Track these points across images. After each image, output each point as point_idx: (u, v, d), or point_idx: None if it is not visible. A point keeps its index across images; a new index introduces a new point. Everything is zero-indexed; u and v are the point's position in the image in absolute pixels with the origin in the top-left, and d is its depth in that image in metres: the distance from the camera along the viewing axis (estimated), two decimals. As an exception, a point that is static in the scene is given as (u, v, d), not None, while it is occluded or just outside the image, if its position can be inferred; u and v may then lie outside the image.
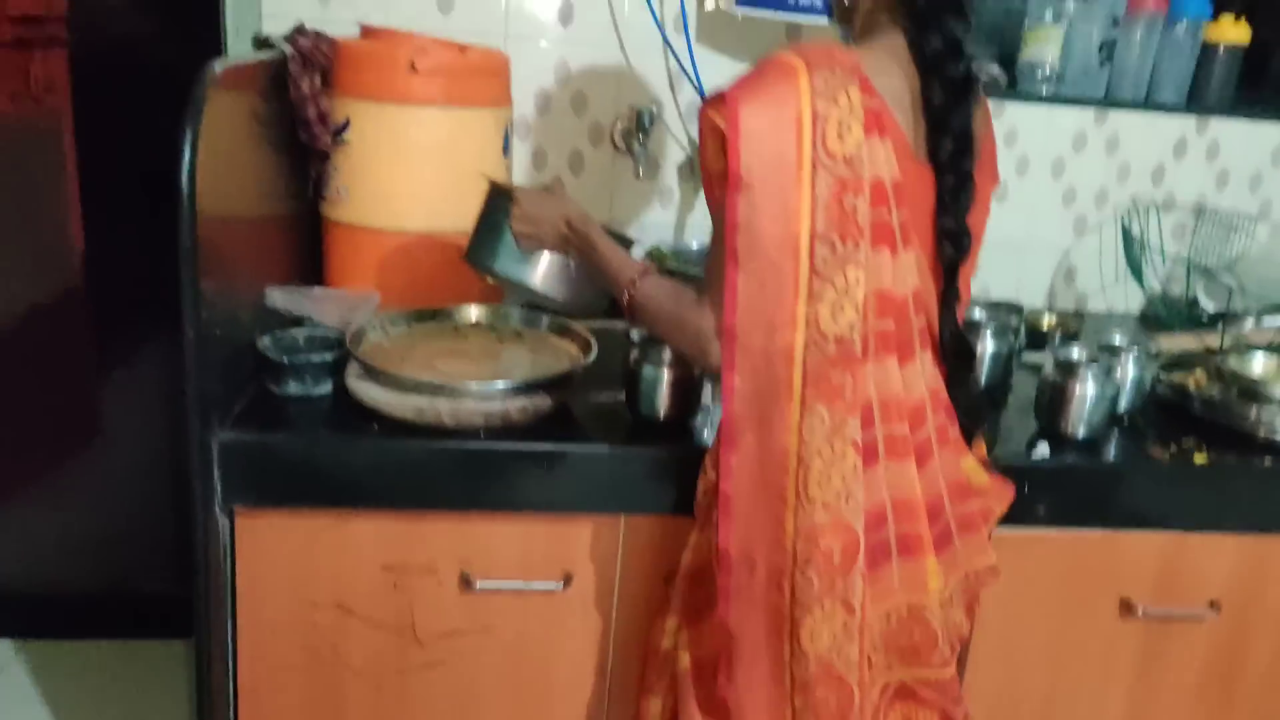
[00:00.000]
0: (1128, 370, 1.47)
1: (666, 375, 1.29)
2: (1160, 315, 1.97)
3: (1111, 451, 1.40)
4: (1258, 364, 1.61)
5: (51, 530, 2.20)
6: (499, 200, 1.29)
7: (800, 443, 1.02)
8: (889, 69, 1.05)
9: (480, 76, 1.52)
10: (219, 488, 1.19)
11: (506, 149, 1.61)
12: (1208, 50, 2.03)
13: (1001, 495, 1.22)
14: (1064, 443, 1.38)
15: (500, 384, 1.24)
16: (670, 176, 1.89)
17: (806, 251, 0.99)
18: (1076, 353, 1.43)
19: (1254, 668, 1.48)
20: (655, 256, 1.83)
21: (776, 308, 1.00)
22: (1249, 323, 1.83)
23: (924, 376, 1.09)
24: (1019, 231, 2.02)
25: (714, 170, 1.03)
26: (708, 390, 1.35)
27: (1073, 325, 1.88)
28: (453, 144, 1.51)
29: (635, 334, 1.41)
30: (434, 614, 1.29)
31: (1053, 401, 1.39)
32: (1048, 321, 1.89)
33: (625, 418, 1.33)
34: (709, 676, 1.13)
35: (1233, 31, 2.02)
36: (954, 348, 1.12)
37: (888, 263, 1.03)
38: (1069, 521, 1.37)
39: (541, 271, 1.30)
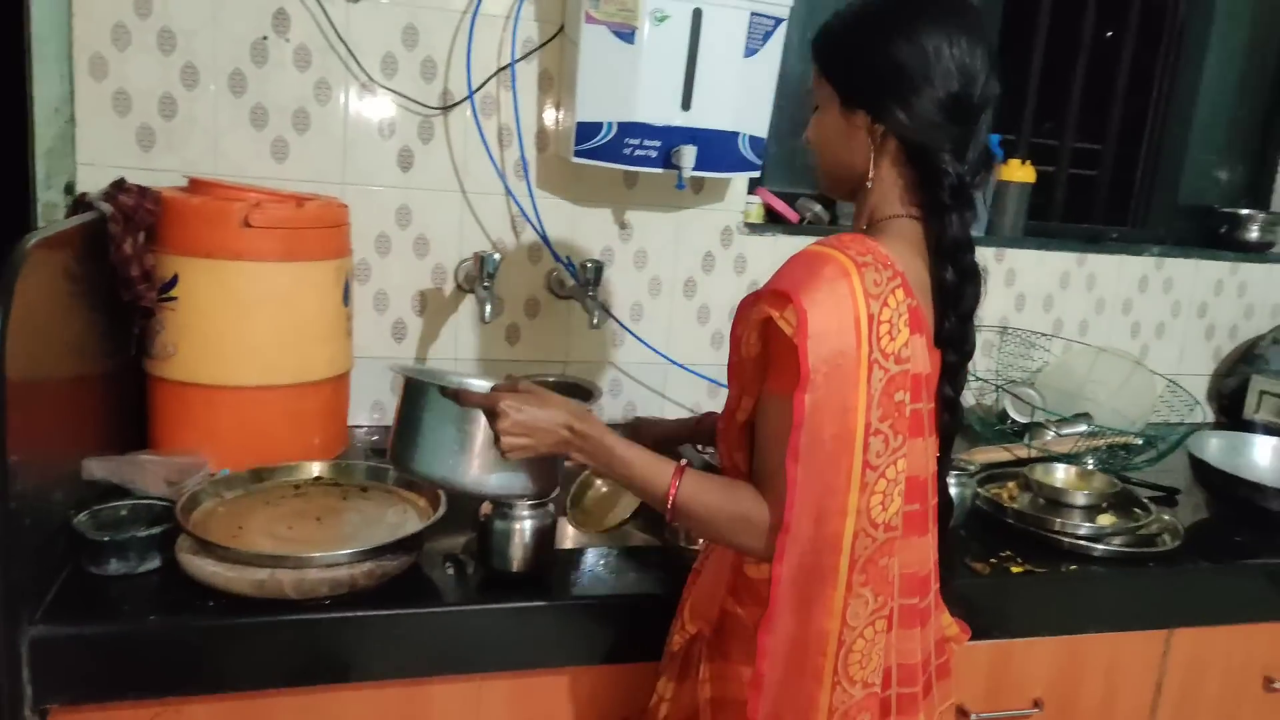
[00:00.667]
0: (950, 489, 1.57)
1: (519, 527, 1.28)
2: (975, 428, 2.12)
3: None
4: (1060, 474, 1.76)
5: None
6: (446, 402, 1.11)
7: (843, 626, 1.03)
8: (911, 260, 1.07)
9: (318, 229, 1.52)
10: (29, 690, 1.08)
11: (347, 298, 1.60)
12: (1001, 188, 2.28)
13: (961, 638, 1.27)
14: (900, 566, 1.46)
15: (346, 551, 1.20)
16: (517, 314, 1.92)
17: (861, 445, 1.00)
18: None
19: (1080, 762, 1.58)
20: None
21: (829, 497, 1.01)
22: (1050, 433, 2.01)
23: (931, 548, 1.14)
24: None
25: (749, 363, 1.05)
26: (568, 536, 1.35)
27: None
28: (290, 297, 1.49)
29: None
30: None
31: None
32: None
33: (479, 573, 1.31)
34: None
35: (1020, 173, 2.27)
36: (947, 517, 1.18)
37: (919, 449, 1.07)
38: (910, 642, 1.43)
39: (501, 476, 1.13)
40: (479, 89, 1.76)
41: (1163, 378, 2.16)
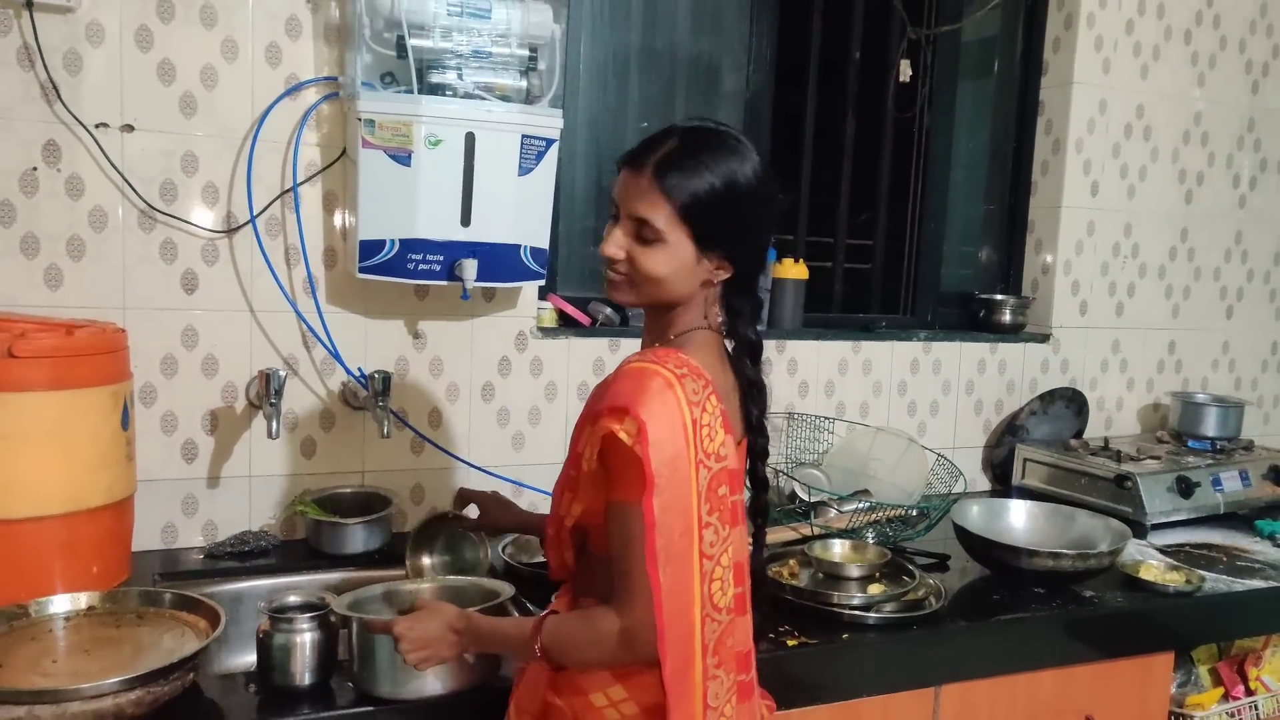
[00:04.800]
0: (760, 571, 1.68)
1: (299, 640, 1.29)
2: (772, 514, 2.25)
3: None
4: (838, 550, 1.90)
5: None
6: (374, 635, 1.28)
7: (706, 709, 1.13)
8: (714, 366, 1.20)
9: (90, 356, 1.51)
10: None
11: (125, 424, 1.58)
12: (777, 285, 2.47)
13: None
14: (682, 647, 1.54)
15: (111, 680, 1.18)
16: (313, 428, 1.93)
17: (698, 538, 1.11)
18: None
19: (868, 827, 1.66)
20: (302, 506, 1.84)
21: (683, 592, 1.10)
22: (833, 511, 2.16)
23: (750, 627, 1.24)
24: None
25: (587, 476, 1.15)
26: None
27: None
28: (61, 426, 1.47)
29: (261, 602, 1.39)
30: None
31: (669, 611, 1.55)
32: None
33: (259, 690, 1.30)
34: None
35: (794, 270, 2.48)
36: (763, 598, 1.29)
37: (739, 536, 1.18)
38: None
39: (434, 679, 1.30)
40: (262, 212, 1.81)
41: (933, 452, 2.37)
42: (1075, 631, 1.83)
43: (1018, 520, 2.15)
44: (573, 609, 1.25)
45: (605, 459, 1.13)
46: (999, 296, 2.77)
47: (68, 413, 1.48)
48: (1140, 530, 2.33)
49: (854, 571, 1.80)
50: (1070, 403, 2.73)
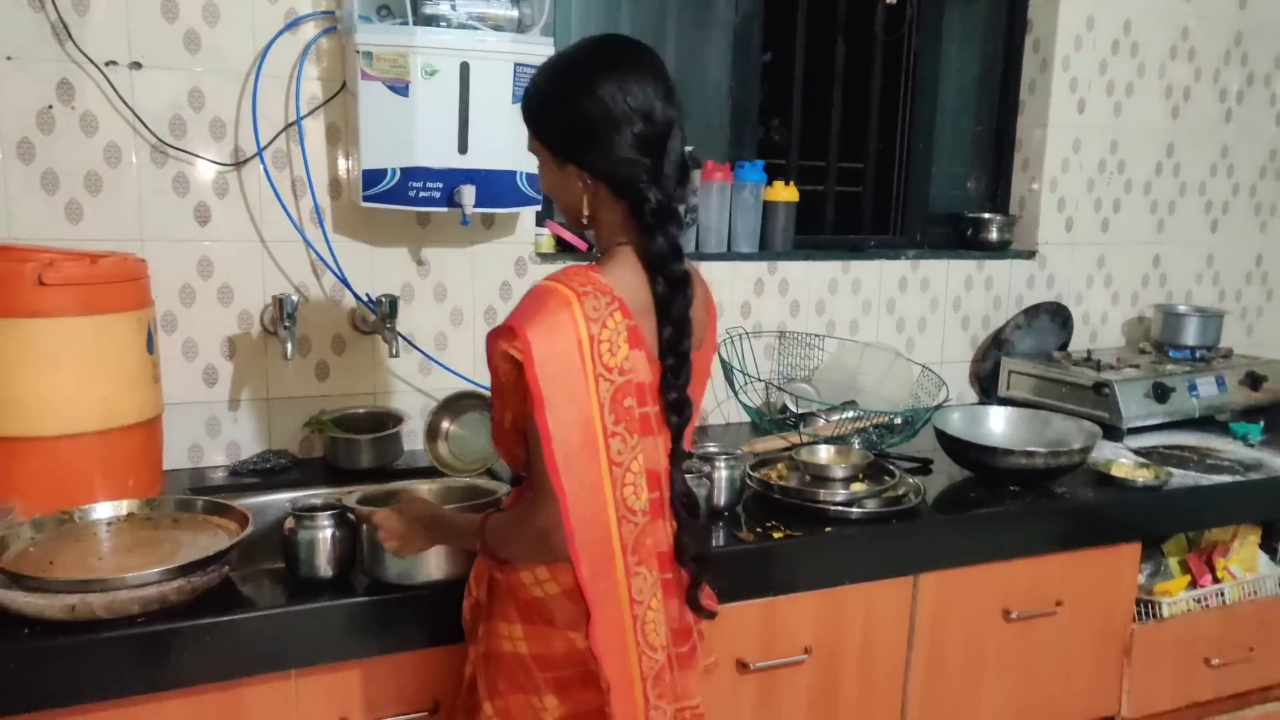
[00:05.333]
0: (721, 473, 1.79)
1: (322, 536, 1.42)
2: (760, 423, 2.37)
3: (713, 541, 1.69)
4: (823, 453, 2.01)
5: None
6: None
7: (633, 602, 1.23)
8: (630, 281, 1.24)
9: (115, 284, 1.61)
10: None
11: (150, 348, 1.69)
12: (769, 209, 2.55)
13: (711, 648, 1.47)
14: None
15: (154, 570, 1.31)
16: (325, 351, 2.04)
17: (604, 446, 1.20)
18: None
19: (845, 692, 1.81)
20: (317, 425, 1.96)
21: (592, 500, 1.20)
22: (821, 420, 2.27)
23: (669, 531, 1.32)
24: (643, 366, 2.37)
25: (508, 386, 1.22)
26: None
27: (694, 441, 2.21)
28: (91, 350, 1.58)
29: (287, 502, 1.51)
30: (105, 812, 1.30)
31: (662, 508, 1.68)
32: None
33: (288, 582, 1.43)
34: None
35: (784, 193, 2.55)
36: (686, 504, 1.33)
37: (651, 446, 1.26)
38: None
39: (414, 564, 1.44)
40: (268, 145, 1.89)
41: (918, 365, 2.47)
42: (1047, 524, 1.95)
43: (997, 425, 2.25)
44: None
45: (514, 373, 1.20)
46: (985, 215, 2.84)
47: (96, 337, 1.59)
48: (1117, 434, 2.44)
49: (838, 472, 1.91)
50: (1054, 316, 2.82)
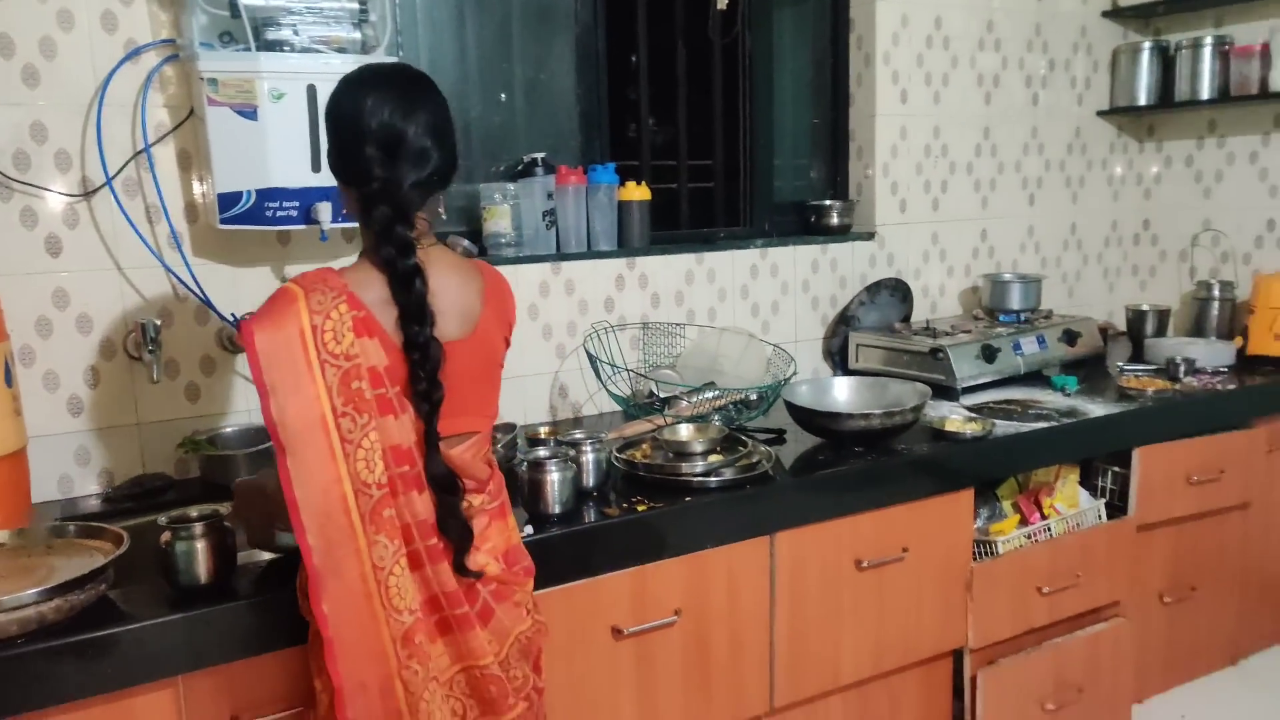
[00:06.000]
0: (587, 457, 1.92)
1: (199, 545, 1.47)
2: (628, 410, 2.50)
3: (582, 518, 1.82)
4: (683, 431, 2.16)
5: None
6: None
7: (375, 569, 1.32)
8: (371, 282, 1.36)
9: (-32, 318, 1.63)
10: None
11: (9, 381, 1.71)
12: (624, 208, 2.68)
13: (525, 581, 1.54)
14: (546, 520, 1.78)
15: (30, 591, 1.35)
16: (194, 374, 2.07)
17: (334, 426, 1.30)
18: (542, 450, 1.84)
19: (716, 649, 1.96)
20: (191, 445, 2.00)
21: (322, 473, 1.30)
22: (684, 402, 2.42)
23: (431, 502, 1.40)
24: (514, 367, 2.46)
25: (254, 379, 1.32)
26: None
27: (566, 431, 2.33)
28: (-51, 384, 1.59)
29: (162, 518, 1.56)
30: (-3, 830, 1.33)
31: (531, 490, 1.79)
32: (545, 431, 2.32)
33: (168, 593, 1.48)
34: None
35: (637, 192, 2.69)
36: (441, 483, 1.40)
37: (394, 425, 1.35)
38: (563, 578, 1.75)
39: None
40: (117, 174, 1.92)
41: (770, 345, 2.65)
42: (888, 478, 2.15)
43: (841, 394, 2.45)
44: None
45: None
46: (827, 202, 3.05)
47: (-47, 373, 1.60)
48: (953, 394, 2.68)
49: (697, 447, 2.07)
50: (894, 291, 3.05)
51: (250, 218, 1.92)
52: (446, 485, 1.40)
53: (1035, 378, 2.87)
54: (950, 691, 2.39)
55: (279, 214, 1.94)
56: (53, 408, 1.94)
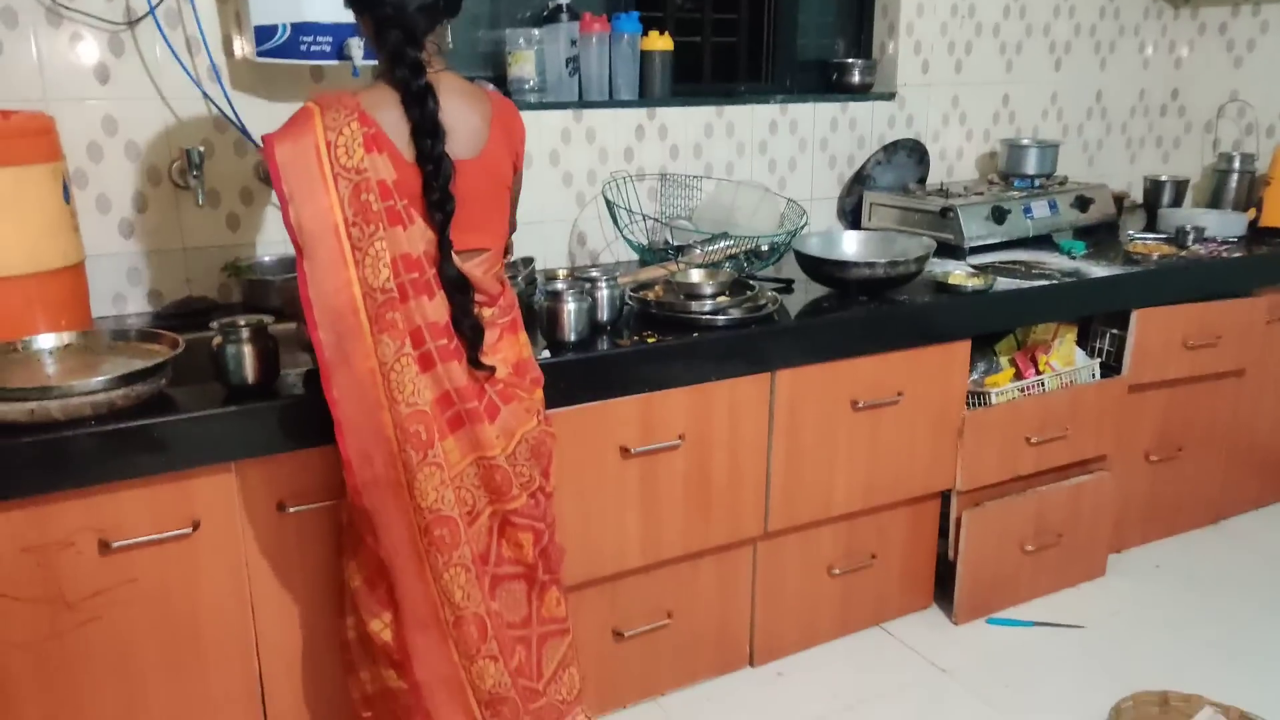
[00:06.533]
0: (602, 292, 2.04)
1: (247, 349, 1.63)
2: (646, 259, 2.61)
3: (596, 346, 1.95)
4: (695, 275, 2.27)
5: None
6: None
7: (379, 364, 1.47)
8: (385, 102, 1.49)
9: (26, 137, 1.74)
10: None
11: (67, 198, 1.83)
12: (646, 57, 2.72)
13: (532, 390, 1.69)
14: (561, 346, 1.92)
15: (101, 379, 1.51)
16: (234, 203, 2.19)
17: (345, 234, 1.45)
18: (559, 284, 1.97)
19: (716, 474, 2.13)
20: (234, 269, 2.14)
21: (334, 274, 1.45)
22: (697, 251, 2.52)
23: (444, 305, 1.54)
24: (535, 211, 2.57)
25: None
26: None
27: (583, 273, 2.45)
28: (11, 199, 1.71)
29: (214, 322, 1.70)
30: (79, 579, 1.53)
31: (549, 319, 1.93)
32: (563, 273, 2.44)
33: (219, 389, 1.65)
34: (375, 580, 1.56)
35: (660, 42, 2.72)
36: (454, 285, 1.55)
37: (403, 235, 1.48)
38: (576, 399, 1.91)
39: None
40: (159, 4, 1.99)
41: (784, 198, 2.72)
42: (887, 326, 2.26)
43: (850, 246, 2.54)
44: None
45: None
46: (849, 60, 3.06)
47: (15, 187, 1.72)
48: (961, 253, 2.76)
49: (707, 289, 2.18)
50: (912, 152, 3.09)
51: (285, 51, 2.00)
52: (459, 286, 1.54)
53: (1045, 242, 2.93)
54: (936, 530, 2.57)
55: (312, 48, 2.02)
56: (106, 229, 2.08)
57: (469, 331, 1.55)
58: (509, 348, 1.65)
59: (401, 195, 1.48)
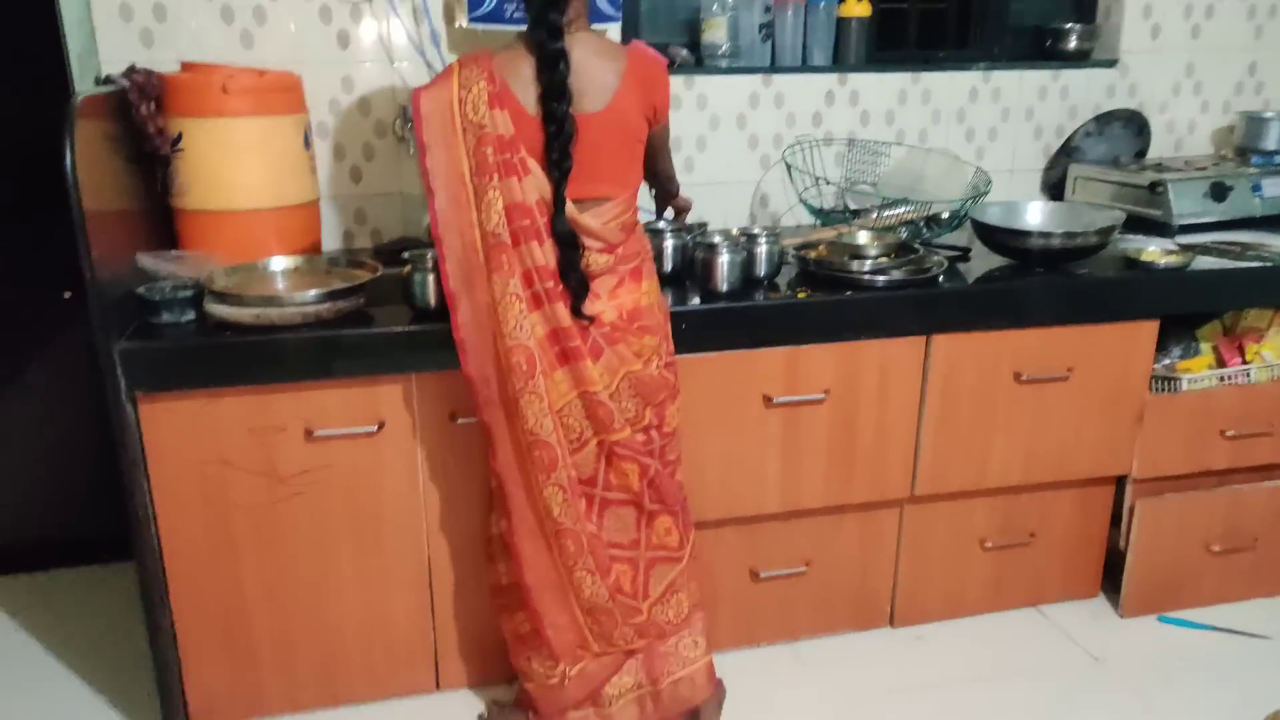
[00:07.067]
0: (761, 247, 2.13)
1: (430, 278, 1.87)
2: (823, 221, 2.66)
3: (746, 298, 2.05)
4: (862, 236, 2.31)
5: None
6: None
7: (494, 299, 1.67)
8: (518, 61, 1.65)
9: (278, 92, 2.08)
10: (123, 382, 1.72)
11: (307, 144, 2.16)
12: (843, 23, 2.75)
13: (640, 336, 1.77)
14: (713, 295, 2.04)
15: (311, 293, 1.81)
16: (446, 156, 2.48)
17: (470, 181, 1.65)
18: (716, 238, 2.08)
19: (862, 431, 2.17)
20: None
21: (460, 217, 1.66)
22: (874, 215, 2.54)
23: (551, 252, 1.69)
24: (718, 173, 2.69)
25: None
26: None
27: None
28: (263, 144, 2.06)
29: (406, 253, 1.96)
30: (289, 459, 1.85)
31: (703, 269, 2.05)
32: (736, 231, 2.54)
33: (406, 311, 1.91)
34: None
35: (858, 8, 2.74)
36: (562, 239, 1.69)
37: (516, 186, 1.65)
38: (722, 346, 2.02)
39: None
40: (391, -23, 2.30)
41: (972, 165, 2.67)
42: (1060, 298, 2.19)
43: (1033, 217, 2.47)
44: None
45: None
46: (1066, 25, 2.91)
47: (266, 134, 2.07)
48: (1169, 230, 2.59)
49: (871, 251, 2.20)
50: (1129, 123, 2.91)
51: (493, 17, 2.24)
52: (568, 241, 1.69)
53: (1276, 222, 2.68)
54: (1108, 517, 2.46)
55: (515, 14, 2.24)
56: (340, 173, 2.42)
57: (575, 283, 1.70)
58: (627, 294, 1.76)
59: (520, 149, 1.64)
